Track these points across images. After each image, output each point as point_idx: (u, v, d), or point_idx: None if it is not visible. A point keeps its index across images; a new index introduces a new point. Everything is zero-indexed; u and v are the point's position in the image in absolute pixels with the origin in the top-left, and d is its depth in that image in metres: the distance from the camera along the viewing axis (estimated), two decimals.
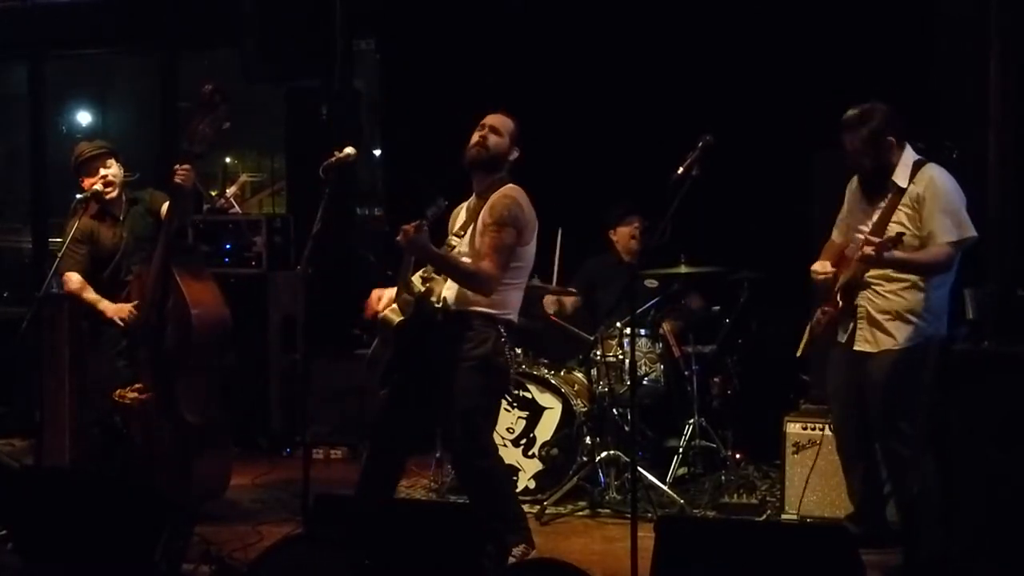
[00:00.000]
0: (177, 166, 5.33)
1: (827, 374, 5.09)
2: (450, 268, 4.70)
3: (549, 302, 6.65)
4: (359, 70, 7.74)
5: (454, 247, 4.79)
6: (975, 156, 5.70)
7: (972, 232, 4.60)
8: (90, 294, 5.58)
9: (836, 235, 5.02)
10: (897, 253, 4.51)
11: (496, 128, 4.83)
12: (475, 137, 4.81)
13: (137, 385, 5.38)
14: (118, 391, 5.39)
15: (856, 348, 4.80)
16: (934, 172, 4.67)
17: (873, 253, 4.47)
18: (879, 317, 4.72)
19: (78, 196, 5.60)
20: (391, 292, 4.87)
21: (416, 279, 4.79)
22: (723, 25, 6.84)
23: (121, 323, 5.46)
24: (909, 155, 4.72)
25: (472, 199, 4.93)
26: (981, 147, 5.80)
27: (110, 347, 5.57)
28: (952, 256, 4.61)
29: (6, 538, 4.64)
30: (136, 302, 5.46)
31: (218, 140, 5.50)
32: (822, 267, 4.89)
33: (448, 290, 4.74)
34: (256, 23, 7.31)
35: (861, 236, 4.74)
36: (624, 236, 6.69)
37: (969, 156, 5.54)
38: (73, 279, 5.59)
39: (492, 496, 4.80)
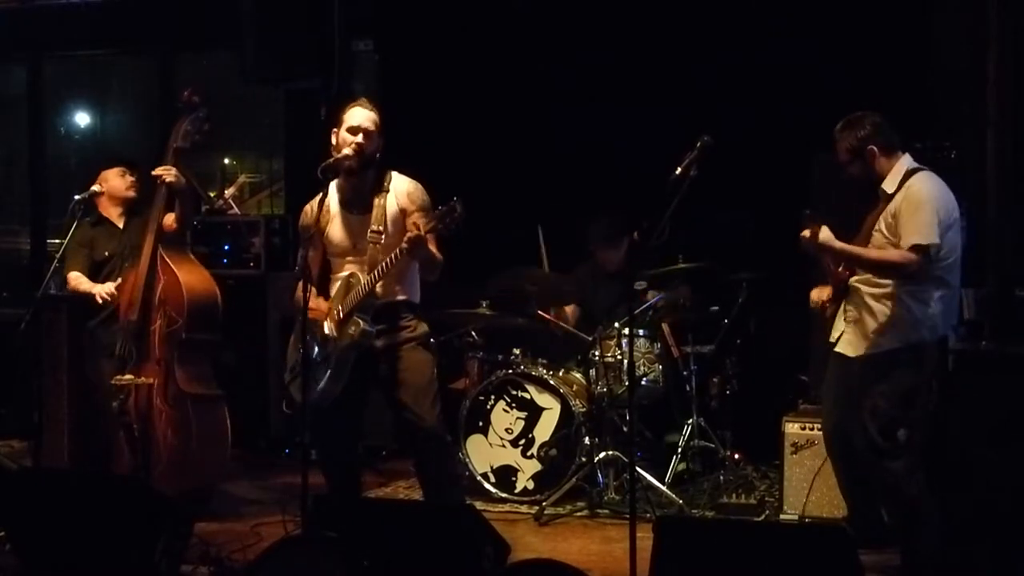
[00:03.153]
0: (160, 167, 5.56)
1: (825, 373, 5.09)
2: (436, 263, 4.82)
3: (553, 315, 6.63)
4: (357, 71, 7.72)
5: (375, 243, 4.76)
6: (973, 156, 5.70)
7: (932, 239, 4.46)
8: (82, 283, 5.80)
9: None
10: (848, 246, 4.61)
11: (370, 132, 4.77)
12: (350, 146, 4.73)
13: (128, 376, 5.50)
14: (115, 376, 5.49)
15: (837, 350, 4.81)
16: (917, 179, 4.59)
17: (808, 237, 4.61)
18: (860, 322, 4.71)
19: (76, 197, 5.69)
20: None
21: (342, 315, 4.81)
22: (722, 27, 6.84)
23: (100, 301, 5.65)
24: (903, 164, 4.66)
25: (345, 195, 4.90)
26: (979, 147, 5.81)
27: (103, 350, 5.69)
28: (912, 261, 4.48)
29: (4, 540, 4.65)
30: (117, 282, 5.68)
31: (202, 139, 5.69)
32: (817, 296, 4.94)
33: (378, 287, 4.77)
34: (254, 24, 7.31)
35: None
36: (597, 254, 6.71)
37: (967, 156, 5.54)
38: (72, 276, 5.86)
39: (455, 483, 5.01)
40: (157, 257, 5.57)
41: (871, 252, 4.64)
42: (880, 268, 4.63)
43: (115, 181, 5.90)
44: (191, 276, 5.64)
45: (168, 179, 5.53)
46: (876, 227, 4.63)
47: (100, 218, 5.92)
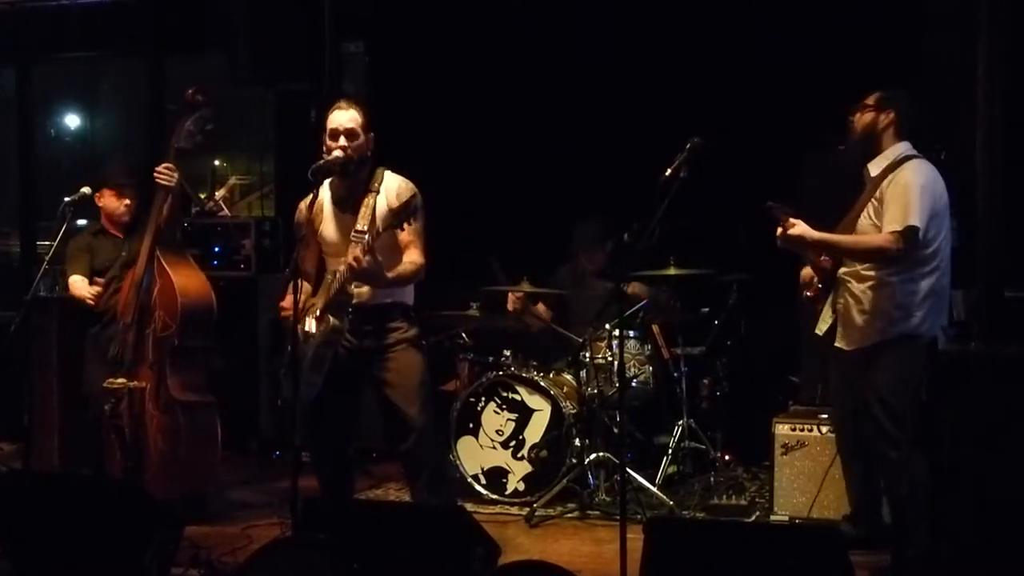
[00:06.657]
0: (160, 166, 5.50)
1: (830, 373, 5.10)
2: (399, 280, 4.78)
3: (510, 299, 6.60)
4: (348, 73, 7.71)
5: (357, 242, 4.73)
6: (963, 157, 5.71)
7: (913, 221, 4.46)
8: (77, 288, 5.87)
9: None
10: (824, 235, 4.62)
11: (352, 131, 4.77)
12: (336, 150, 4.73)
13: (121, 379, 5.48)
14: (108, 380, 5.49)
15: (836, 345, 4.82)
16: (908, 166, 4.60)
17: (779, 239, 4.64)
18: (851, 314, 4.72)
19: (66, 199, 5.69)
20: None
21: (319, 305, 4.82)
22: (712, 27, 6.85)
23: (92, 303, 5.72)
24: (898, 150, 4.67)
25: (338, 194, 4.90)
26: (968, 148, 5.81)
27: (101, 354, 5.67)
28: (891, 242, 4.49)
29: None
30: (101, 284, 5.74)
31: (203, 140, 5.63)
32: (808, 275, 4.93)
33: (351, 286, 4.76)
34: (245, 26, 7.30)
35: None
36: (580, 255, 6.72)
37: (957, 157, 5.55)
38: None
39: (445, 484, 5.02)
40: (154, 259, 5.54)
41: (847, 238, 4.65)
42: (859, 253, 4.64)
43: (111, 201, 5.93)
44: (186, 281, 5.59)
45: (169, 182, 5.48)
46: (864, 213, 4.65)
47: (102, 228, 5.96)
